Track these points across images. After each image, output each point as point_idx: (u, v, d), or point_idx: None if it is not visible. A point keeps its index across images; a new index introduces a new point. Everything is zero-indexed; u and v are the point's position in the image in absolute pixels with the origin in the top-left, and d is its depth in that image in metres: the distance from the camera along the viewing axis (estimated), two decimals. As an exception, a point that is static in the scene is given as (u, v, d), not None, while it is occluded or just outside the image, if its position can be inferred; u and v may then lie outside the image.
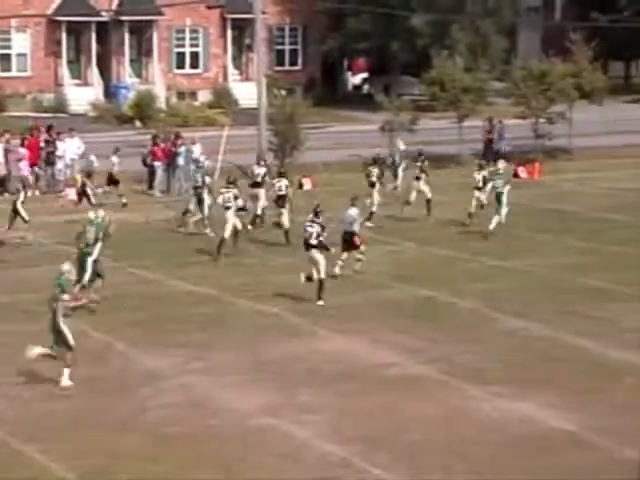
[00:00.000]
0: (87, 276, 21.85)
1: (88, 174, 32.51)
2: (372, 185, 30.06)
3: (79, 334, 18.26)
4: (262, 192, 29.84)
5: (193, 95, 54.11)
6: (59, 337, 17.52)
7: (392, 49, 52.53)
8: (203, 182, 29.25)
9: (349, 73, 60.92)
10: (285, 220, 27.62)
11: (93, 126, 46.01)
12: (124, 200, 32.56)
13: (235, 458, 14.99)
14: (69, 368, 17.57)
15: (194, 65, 55.23)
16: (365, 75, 59.89)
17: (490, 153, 38.98)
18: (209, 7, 49.17)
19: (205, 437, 15.63)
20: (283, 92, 42.84)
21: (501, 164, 29.93)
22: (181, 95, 53.45)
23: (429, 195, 30.45)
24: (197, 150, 34.45)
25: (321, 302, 22.18)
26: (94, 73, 52.66)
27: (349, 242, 24.05)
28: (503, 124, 40.12)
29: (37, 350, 17.75)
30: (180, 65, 55.01)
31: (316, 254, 22.20)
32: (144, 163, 36.09)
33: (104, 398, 17.18)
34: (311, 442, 15.40)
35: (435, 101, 42.96)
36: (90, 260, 21.90)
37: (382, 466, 14.63)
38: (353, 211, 24.34)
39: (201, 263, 25.74)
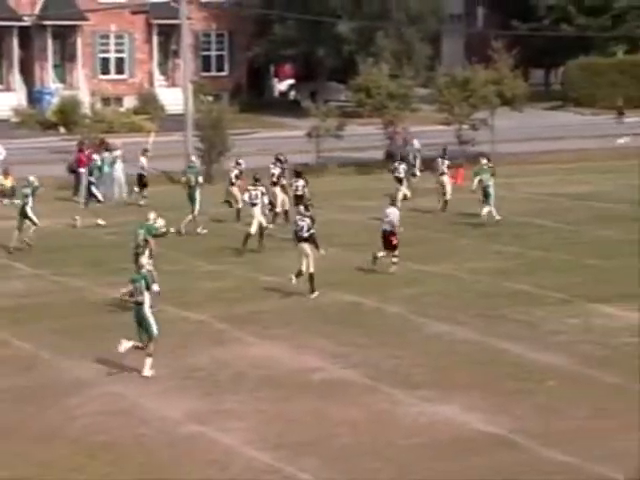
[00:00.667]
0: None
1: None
2: (399, 181, 31.97)
3: (2, 344, 18.07)
4: (278, 191, 30.83)
5: (119, 101, 53.83)
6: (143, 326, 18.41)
7: (318, 55, 52.78)
8: (196, 182, 29.97)
9: (276, 79, 61.04)
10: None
11: (16, 132, 45.48)
12: (142, 202, 33.36)
13: (162, 466, 14.94)
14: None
15: (119, 71, 54.96)
16: (292, 81, 60.06)
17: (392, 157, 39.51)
18: (134, 12, 48.95)
19: (132, 445, 15.55)
20: (209, 98, 42.84)
21: (484, 160, 31.79)
22: (106, 101, 53.13)
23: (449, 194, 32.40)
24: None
25: (315, 294, 22.79)
26: (16, 78, 52.10)
27: (387, 241, 24.90)
28: (408, 130, 40.38)
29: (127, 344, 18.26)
30: (105, 71, 54.69)
31: (307, 247, 22.86)
32: (69, 170, 35.82)
33: (29, 407, 17.01)
34: (238, 449, 15.40)
35: (361, 107, 43.30)
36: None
37: (309, 471, 14.68)
38: (392, 210, 25.09)
39: (130, 270, 25.61)
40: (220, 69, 56.31)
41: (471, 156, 39.88)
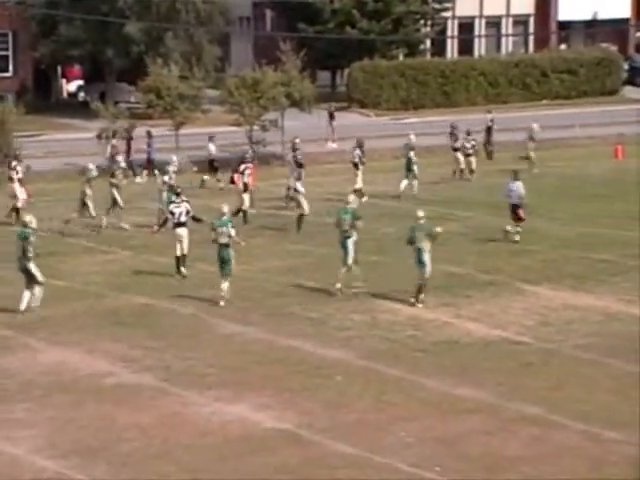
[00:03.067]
0: (349, 258, 23.45)
1: None
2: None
3: None
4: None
5: None
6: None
7: (107, 56, 52.12)
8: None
9: (63, 80, 59.93)
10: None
11: None
12: (222, 184, 35.02)
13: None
14: None
15: None
16: (80, 82, 59.10)
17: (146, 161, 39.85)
18: None
19: None
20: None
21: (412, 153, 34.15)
22: None
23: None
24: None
25: (184, 270, 24.59)
26: None
27: (515, 214, 27.06)
28: (152, 135, 40.55)
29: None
30: None
31: (183, 231, 24.86)
32: None
33: None
34: (26, 458, 15.21)
35: (151, 108, 43.06)
36: (350, 242, 23.58)
37: (99, 477, 14.64)
38: (517, 185, 27.14)
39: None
40: (4, 69, 54.85)
41: (262, 157, 40.35)
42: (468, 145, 36.90)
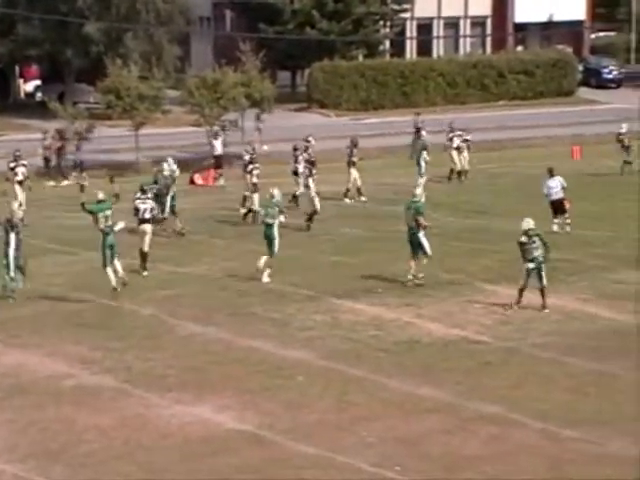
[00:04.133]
0: (424, 250, 24.01)
1: None
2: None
3: None
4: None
5: None
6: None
7: (65, 56, 51.85)
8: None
9: (21, 80, 59.53)
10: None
11: None
12: (222, 182, 36.70)
13: None
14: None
15: None
16: (38, 82, 58.73)
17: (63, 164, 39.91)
18: None
19: None
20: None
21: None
22: None
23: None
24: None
25: (145, 273, 24.87)
26: None
27: (559, 207, 28.27)
28: (84, 137, 40.54)
29: None
30: None
31: (147, 227, 25.42)
32: None
33: None
34: (-15, 462, 15.15)
35: (111, 109, 42.92)
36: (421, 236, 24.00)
37: (56, 479, 14.59)
38: (556, 181, 28.50)
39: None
40: (-41, 70, 54.47)
41: (225, 157, 40.27)
42: (459, 141, 36.89)
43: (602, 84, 61.12)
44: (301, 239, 29.17)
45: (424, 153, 35.21)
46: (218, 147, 39.09)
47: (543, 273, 22.02)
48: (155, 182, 29.90)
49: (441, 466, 15.17)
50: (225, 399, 17.56)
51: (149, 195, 26.42)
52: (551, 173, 29.19)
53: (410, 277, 23.95)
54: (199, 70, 45.96)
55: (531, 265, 21.94)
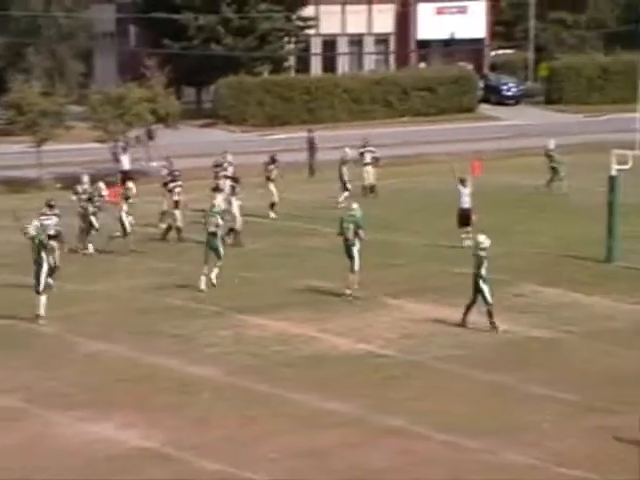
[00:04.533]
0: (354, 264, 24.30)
1: None
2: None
3: None
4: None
5: None
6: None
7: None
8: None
9: None
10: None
11: None
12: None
13: None
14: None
15: None
16: None
17: None
18: None
19: None
20: None
21: None
22: None
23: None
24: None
25: (50, 280, 23.97)
26: None
27: (467, 218, 29.09)
28: None
29: None
30: None
31: (54, 243, 25.24)
32: None
33: None
34: None
35: (13, 125, 42.41)
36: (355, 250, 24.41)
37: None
38: (467, 191, 29.22)
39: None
40: None
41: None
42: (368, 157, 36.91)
43: (501, 101, 62.22)
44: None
45: (344, 168, 35.42)
46: (125, 163, 38.72)
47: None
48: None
49: (347, 479, 15.30)
50: (130, 417, 17.46)
51: (56, 211, 26.40)
52: (463, 183, 29.72)
53: (348, 291, 24.21)
54: (103, 86, 45.62)
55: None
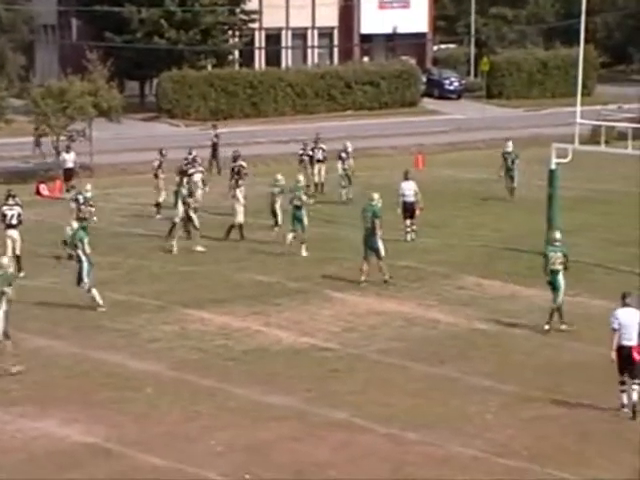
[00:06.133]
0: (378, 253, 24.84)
1: None
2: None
3: None
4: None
5: None
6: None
7: None
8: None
9: None
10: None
11: None
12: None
13: None
14: None
15: None
16: None
17: None
18: None
19: None
20: None
21: None
22: None
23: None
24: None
25: (22, 274, 25.07)
26: None
27: (412, 210, 29.44)
28: None
29: None
30: None
31: (14, 233, 26.25)
32: None
33: None
34: None
35: (-48, 118, 41.95)
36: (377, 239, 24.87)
37: None
38: (410, 184, 29.51)
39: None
40: None
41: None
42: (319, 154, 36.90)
43: (444, 95, 62.64)
44: (149, 250, 29.04)
45: (349, 162, 35.79)
46: (69, 161, 38.08)
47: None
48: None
49: (290, 473, 15.37)
50: (72, 412, 17.39)
51: (17, 201, 26.62)
52: (406, 176, 29.96)
53: (363, 278, 24.62)
54: (44, 79, 45.29)
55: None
